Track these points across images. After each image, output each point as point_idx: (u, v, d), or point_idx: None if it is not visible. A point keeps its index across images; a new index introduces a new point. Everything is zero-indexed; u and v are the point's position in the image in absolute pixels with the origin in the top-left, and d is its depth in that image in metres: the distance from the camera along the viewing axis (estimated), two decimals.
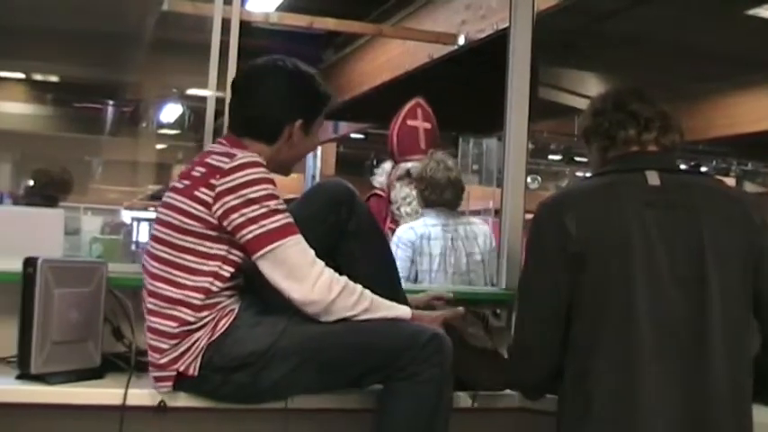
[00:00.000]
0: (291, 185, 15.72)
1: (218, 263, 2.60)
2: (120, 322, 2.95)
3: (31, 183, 5.80)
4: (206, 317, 2.58)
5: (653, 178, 2.42)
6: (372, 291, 2.66)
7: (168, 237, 2.64)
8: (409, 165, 4.96)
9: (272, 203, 2.55)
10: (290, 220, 2.58)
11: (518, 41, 3.70)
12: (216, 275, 2.60)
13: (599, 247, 2.34)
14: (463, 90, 9.19)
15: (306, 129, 2.77)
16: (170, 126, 11.51)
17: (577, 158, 13.35)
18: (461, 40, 7.29)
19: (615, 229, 2.35)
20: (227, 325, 2.59)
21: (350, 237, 2.85)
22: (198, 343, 2.58)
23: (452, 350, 2.62)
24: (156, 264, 2.66)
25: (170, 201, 2.66)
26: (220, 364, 2.57)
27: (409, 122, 5.16)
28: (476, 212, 10.99)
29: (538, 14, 3.74)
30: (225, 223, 2.55)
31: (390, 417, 2.58)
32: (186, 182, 2.64)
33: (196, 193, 2.59)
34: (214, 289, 2.59)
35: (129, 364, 2.82)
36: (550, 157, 13.61)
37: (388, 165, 5.19)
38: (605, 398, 2.30)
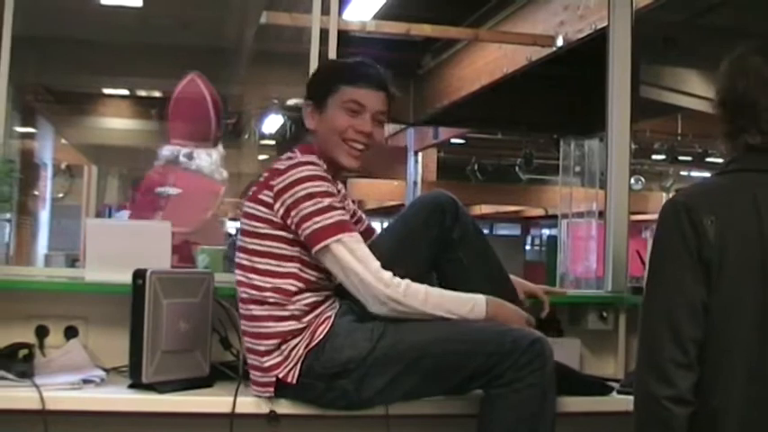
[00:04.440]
0: (394, 192, 15.79)
1: (297, 264, 2.65)
2: (228, 331, 2.99)
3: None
4: (298, 317, 2.63)
5: None
6: (492, 295, 2.69)
7: (244, 243, 2.73)
8: None
9: (327, 200, 2.61)
10: (345, 217, 2.64)
11: (617, 40, 3.66)
12: (296, 277, 2.65)
13: (735, 258, 2.17)
14: (563, 91, 9.11)
15: (318, 109, 2.81)
16: (272, 137, 11.62)
17: (682, 158, 13.12)
18: (560, 42, 7.21)
19: (753, 240, 2.17)
20: (324, 332, 2.62)
21: (456, 245, 2.84)
22: (296, 350, 2.61)
23: (553, 354, 2.58)
24: (238, 271, 2.74)
25: (244, 209, 2.75)
26: (320, 371, 2.60)
27: None
28: (579, 214, 10.91)
29: (637, 11, 3.69)
30: (288, 222, 2.62)
31: (492, 425, 2.57)
32: (254, 188, 2.72)
33: (260, 196, 2.67)
34: (294, 289, 2.64)
35: (237, 372, 2.86)
36: (654, 157, 13.36)
37: None
38: None
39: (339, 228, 2.59)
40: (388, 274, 2.59)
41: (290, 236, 2.64)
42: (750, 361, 2.17)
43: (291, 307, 2.64)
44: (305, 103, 2.83)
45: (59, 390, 2.69)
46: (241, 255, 2.73)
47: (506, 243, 19.29)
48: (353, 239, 2.61)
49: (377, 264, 2.60)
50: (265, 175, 2.71)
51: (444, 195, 2.91)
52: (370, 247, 2.83)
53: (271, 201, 2.64)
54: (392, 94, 2.84)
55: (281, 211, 2.62)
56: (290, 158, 2.70)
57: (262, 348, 2.65)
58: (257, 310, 2.66)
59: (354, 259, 2.58)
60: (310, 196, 2.59)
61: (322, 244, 2.57)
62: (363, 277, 2.57)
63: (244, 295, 2.71)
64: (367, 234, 3.02)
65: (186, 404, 2.74)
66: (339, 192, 2.83)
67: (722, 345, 2.19)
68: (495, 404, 2.56)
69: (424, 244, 2.82)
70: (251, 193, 2.73)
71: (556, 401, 2.61)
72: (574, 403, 2.82)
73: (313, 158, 2.71)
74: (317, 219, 2.58)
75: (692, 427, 2.18)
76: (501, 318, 2.64)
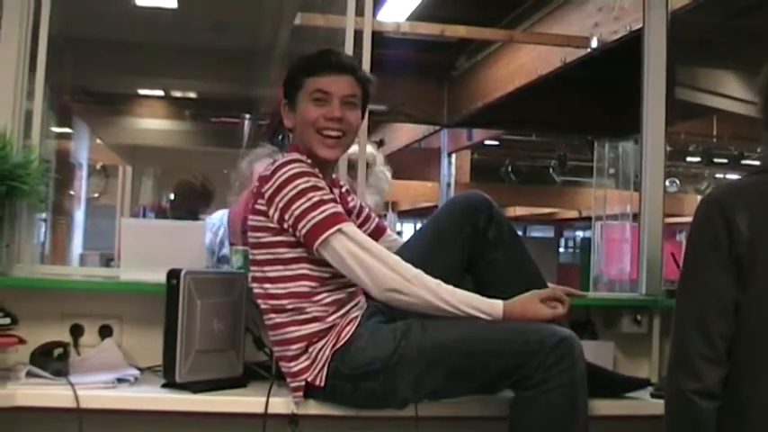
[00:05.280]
0: (427, 193, 15.75)
1: (305, 264, 2.65)
2: (262, 331, 2.99)
3: (172, 196, 5.92)
4: (321, 318, 2.63)
5: None
6: None
7: (253, 256, 2.74)
8: None
9: (317, 195, 2.59)
10: (338, 209, 2.61)
11: (652, 42, 3.64)
12: (307, 277, 2.65)
13: (767, 255, 2.17)
14: (598, 93, 9.05)
15: (293, 107, 2.80)
16: None
17: (717, 160, 13.02)
18: (594, 43, 7.17)
19: None
20: (350, 333, 2.62)
21: (491, 245, 2.83)
22: (323, 352, 2.61)
23: (583, 352, 2.54)
24: (254, 284, 2.75)
25: (248, 222, 2.75)
26: (346, 373, 2.60)
27: None
28: (613, 217, 10.85)
29: (672, 13, 3.67)
30: (285, 226, 2.61)
31: (521, 427, 2.54)
32: (251, 200, 2.73)
33: (256, 206, 2.68)
34: (309, 290, 2.64)
35: (270, 372, 2.86)
36: (689, 159, 13.27)
37: None
38: None
39: (335, 219, 2.58)
40: (395, 258, 2.58)
41: (291, 239, 2.63)
42: None
43: (311, 308, 2.63)
44: (281, 103, 2.84)
45: (94, 388, 2.71)
46: (253, 268, 2.74)
47: (540, 245, 19.25)
48: (352, 228, 2.61)
49: (382, 249, 2.60)
50: (256, 184, 2.72)
51: (478, 195, 2.89)
52: (402, 247, 2.83)
53: (265, 208, 2.64)
54: (361, 76, 2.82)
55: (276, 215, 2.61)
56: (274, 162, 2.71)
57: (290, 354, 2.65)
58: (279, 318, 2.67)
59: (355, 245, 2.56)
60: (301, 194, 2.59)
61: (321, 238, 2.56)
62: (365, 261, 2.55)
63: (264, 306, 2.71)
64: (377, 233, 3.01)
65: (219, 404, 2.75)
66: (340, 187, 2.89)
67: (753, 340, 2.19)
68: (524, 406, 2.54)
69: (457, 244, 2.81)
70: (250, 206, 2.74)
71: (587, 404, 2.57)
72: (606, 406, 2.80)
73: (296, 155, 2.71)
74: (312, 215, 2.57)
75: (720, 419, 2.18)
76: (523, 319, 2.59)
